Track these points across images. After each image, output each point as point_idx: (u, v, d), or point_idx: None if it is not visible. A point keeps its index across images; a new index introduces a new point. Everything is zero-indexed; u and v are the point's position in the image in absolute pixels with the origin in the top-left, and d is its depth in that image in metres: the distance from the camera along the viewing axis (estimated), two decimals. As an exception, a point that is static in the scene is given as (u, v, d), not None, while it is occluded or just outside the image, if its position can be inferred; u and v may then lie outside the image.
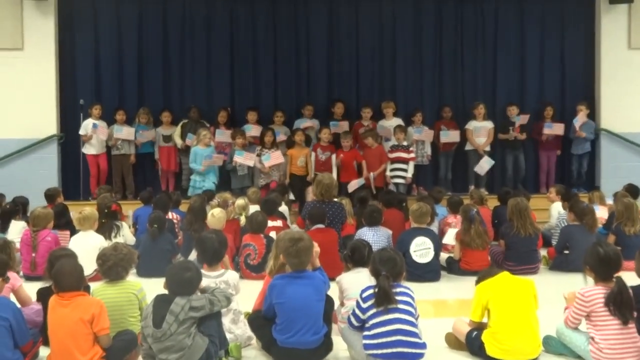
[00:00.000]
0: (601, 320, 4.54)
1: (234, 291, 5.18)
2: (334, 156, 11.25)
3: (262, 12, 12.67)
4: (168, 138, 11.98)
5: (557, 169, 12.56)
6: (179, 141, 11.86)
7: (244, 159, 11.07)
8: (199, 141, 11.08)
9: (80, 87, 12.30)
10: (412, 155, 11.29)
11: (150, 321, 4.33)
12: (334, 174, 10.75)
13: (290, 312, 4.63)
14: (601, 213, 9.16)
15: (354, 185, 10.90)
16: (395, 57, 12.78)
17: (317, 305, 4.72)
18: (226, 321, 5.02)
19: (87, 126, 11.59)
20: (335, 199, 8.73)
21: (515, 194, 9.41)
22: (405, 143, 11.32)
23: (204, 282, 4.79)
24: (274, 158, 11.05)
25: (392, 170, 11.23)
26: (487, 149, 12.13)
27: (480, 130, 12.06)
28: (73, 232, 8.10)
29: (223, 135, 11.58)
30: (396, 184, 11.20)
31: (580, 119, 12.05)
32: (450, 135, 12.05)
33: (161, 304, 4.38)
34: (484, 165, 11.84)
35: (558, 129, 12.16)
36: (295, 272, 4.76)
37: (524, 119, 12.14)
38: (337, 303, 5.33)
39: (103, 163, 11.76)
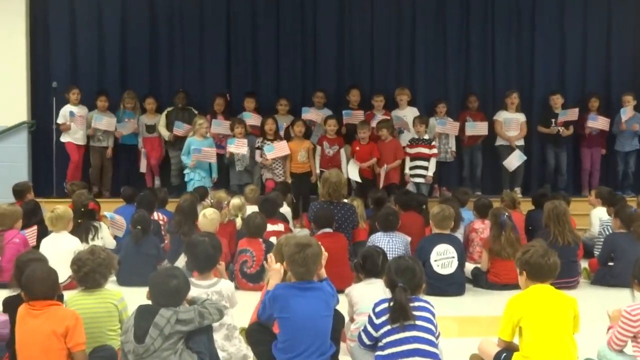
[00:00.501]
0: (650, 342, 4.53)
1: (227, 303, 5.19)
2: (342, 150, 11.23)
3: (265, -14, 12.69)
4: (152, 128, 11.98)
5: (601, 168, 12.53)
6: (165, 132, 11.85)
7: (235, 147, 11.02)
8: (195, 131, 11.09)
9: (55, 68, 12.32)
10: (435, 150, 11.28)
11: (132, 335, 4.33)
12: (344, 170, 10.76)
13: (295, 329, 4.60)
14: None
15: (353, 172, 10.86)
16: (415, 39, 12.74)
17: (325, 322, 4.70)
18: (219, 337, 5.03)
19: (65, 114, 11.60)
20: (345, 200, 8.73)
21: (554, 196, 9.39)
22: (426, 137, 11.31)
23: (194, 292, 4.80)
24: (278, 149, 10.97)
25: (411, 168, 11.23)
26: (520, 143, 12.12)
27: (511, 123, 12.04)
28: (45, 233, 8.10)
29: (221, 126, 11.54)
30: (417, 184, 11.19)
31: (629, 110, 12.00)
32: (477, 127, 12.01)
33: (144, 316, 4.38)
34: (514, 160, 11.84)
35: (603, 123, 12.12)
36: (301, 282, 4.73)
37: (572, 114, 12.09)
38: (346, 319, 5.34)
39: (81, 156, 11.78)
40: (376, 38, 12.77)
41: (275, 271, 5.00)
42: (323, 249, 4.95)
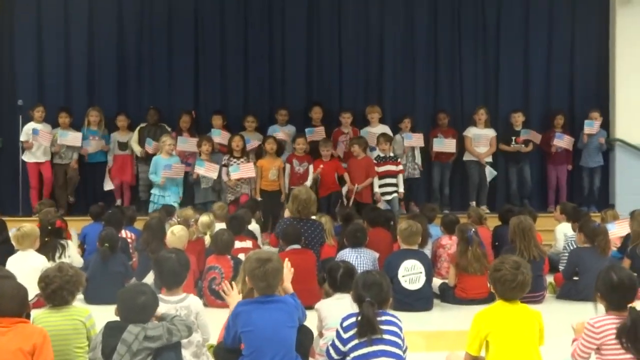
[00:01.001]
0: (612, 354, 4.57)
1: (195, 319, 5.20)
2: (311, 167, 11.28)
3: (232, 2, 12.71)
4: (124, 145, 11.97)
5: (567, 184, 12.69)
6: (137, 148, 11.84)
7: (205, 170, 11.04)
8: (160, 149, 11.10)
9: (20, 85, 12.25)
10: (401, 167, 11.41)
11: (99, 352, 4.34)
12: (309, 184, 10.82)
13: (259, 341, 4.62)
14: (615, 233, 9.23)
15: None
16: (383, 56, 12.85)
17: (288, 333, 4.73)
18: (187, 354, 5.04)
19: (28, 131, 11.53)
20: (314, 217, 8.77)
21: (520, 211, 9.50)
22: (391, 154, 11.40)
23: (163, 308, 4.82)
24: (243, 170, 11.02)
25: (381, 186, 11.29)
26: (489, 159, 12.27)
27: (481, 139, 12.21)
28: (11, 251, 8.03)
29: (187, 143, 11.56)
30: (389, 202, 11.25)
31: (596, 125, 12.23)
32: (445, 144, 12.13)
33: (112, 332, 4.39)
34: (489, 174, 12.04)
35: (568, 142, 12.32)
36: (263, 297, 4.78)
37: (534, 137, 12.29)
38: (315, 333, 5.37)
39: (47, 172, 11.69)
40: (344, 55, 12.85)
41: (234, 298, 5.06)
42: (289, 265, 5.00)
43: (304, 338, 4.95)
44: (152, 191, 11.09)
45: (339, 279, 5.60)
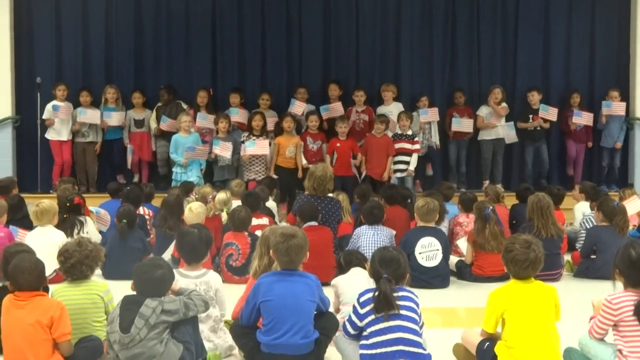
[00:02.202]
0: (630, 330, 4.56)
1: (214, 295, 5.22)
2: (325, 145, 11.31)
3: (250, -20, 12.68)
4: (140, 123, 12.01)
5: (585, 163, 12.63)
6: (154, 126, 11.89)
7: (220, 149, 11.07)
8: (179, 128, 11.13)
9: (39, 63, 12.28)
10: (417, 146, 11.36)
11: (117, 326, 4.37)
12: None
13: (279, 309, 4.65)
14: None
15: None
16: (400, 34, 12.76)
17: (308, 306, 4.74)
18: (205, 328, 5.07)
19: (49, 109, 11.61)
20: (330, 194, 8.77)
21: (548, 188, 9.51)
22: (409, 132, 11.36)
23: (182, 283, 4.85)
24: (258, 146, 11.02)
25: (395, 163, 11.29)
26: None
27: (492, 116, 12.16)
28: (30, 227, 8.08)
29: (206, 120, 11.57)
30: (400, 179, 11.23)
31: (614, 105, 12.14)
32: (462, 124, 12.08)
33: (129, 306, 4.42)
34: (508, 134, 12.03)
35: (587, 118, 12.22)
36: (285, 270, 4.80)
37: (552, 115, 12.17)
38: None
39: (68, 151, 11.79)
40: (361, 34, 12.77)
41: None
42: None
43: (329, 324, 4.94)
44: (174, 169, 11.12)
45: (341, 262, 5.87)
